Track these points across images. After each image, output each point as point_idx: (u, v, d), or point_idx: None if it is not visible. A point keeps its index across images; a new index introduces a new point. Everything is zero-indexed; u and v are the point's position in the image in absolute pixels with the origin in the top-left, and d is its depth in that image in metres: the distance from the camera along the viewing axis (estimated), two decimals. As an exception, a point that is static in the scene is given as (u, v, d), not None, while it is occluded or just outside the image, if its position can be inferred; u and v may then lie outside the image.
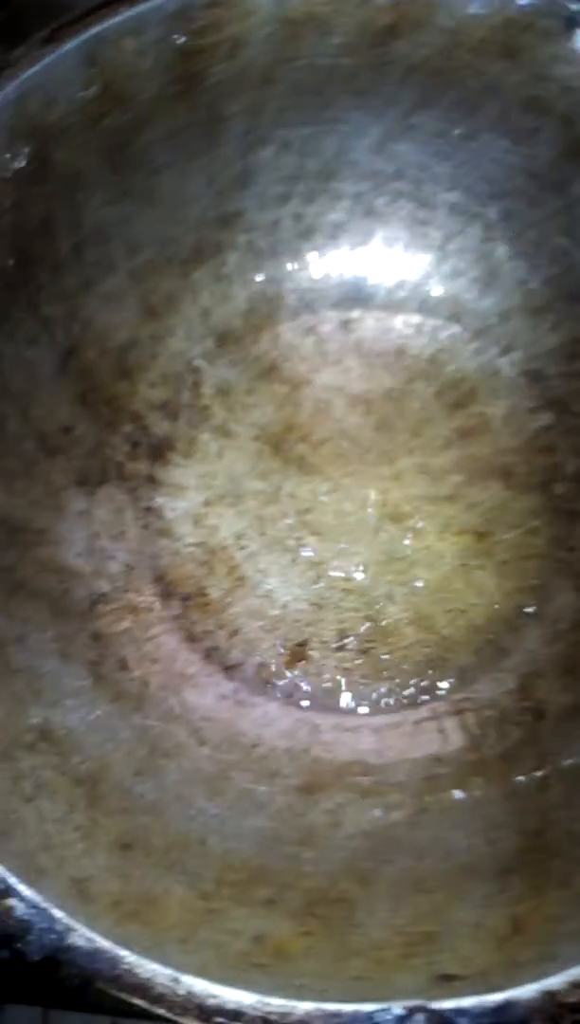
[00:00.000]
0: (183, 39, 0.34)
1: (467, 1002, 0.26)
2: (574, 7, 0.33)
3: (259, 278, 0.41)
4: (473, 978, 0.27)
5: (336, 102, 0.37)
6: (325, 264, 0.41)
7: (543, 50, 0.34)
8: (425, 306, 0.40)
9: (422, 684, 0.37)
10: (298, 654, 0.38)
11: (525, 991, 0.26)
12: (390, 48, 0.35)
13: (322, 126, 0.37)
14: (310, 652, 0.38)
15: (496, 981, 0.26)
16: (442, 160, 0.38)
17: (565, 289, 0.38)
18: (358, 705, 0.37)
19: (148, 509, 0.39)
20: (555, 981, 0.26)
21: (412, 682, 0.37)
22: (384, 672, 0.37)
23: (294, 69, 0.36)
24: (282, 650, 0.38)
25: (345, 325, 0.41)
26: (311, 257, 0.41)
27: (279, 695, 0.37)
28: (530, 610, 0.37)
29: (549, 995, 0.25)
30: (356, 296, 0.41)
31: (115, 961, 0.26)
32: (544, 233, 0.37)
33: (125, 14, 0.33)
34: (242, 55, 0.35)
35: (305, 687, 0.37)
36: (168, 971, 0.26)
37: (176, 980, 0.26)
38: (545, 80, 0.34)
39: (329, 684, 0.37)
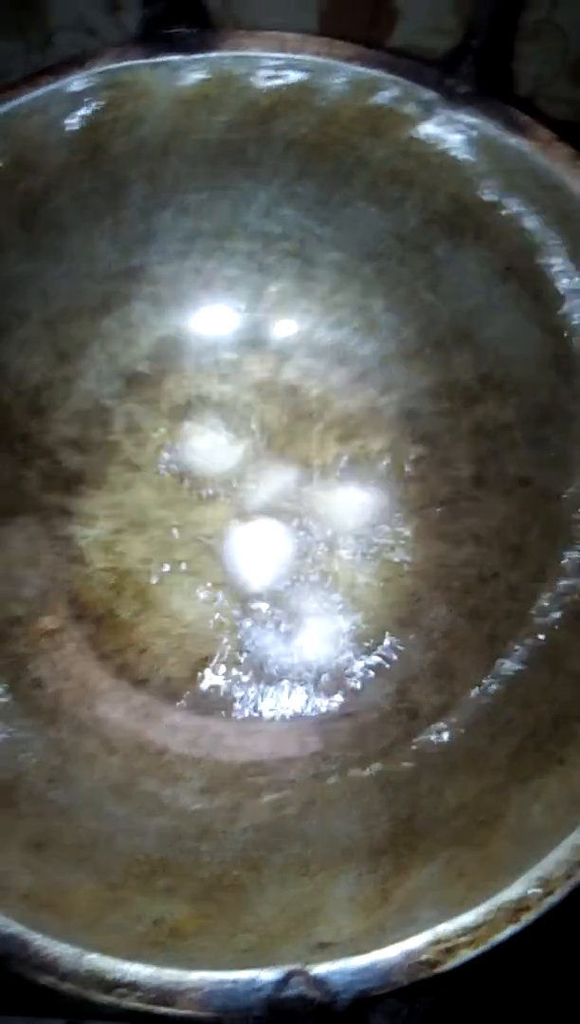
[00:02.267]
0: (86, 115, 0.38)
1: (337, 965, 0.30)
2: (428, 95, 0.38)
3: (163, 325, 0.44)
4: (345, 944, 0.30)
5: (227, 171, 0.41)
6: (224, 313, 0.45)
7: (404, 130, 0.38)
8: (314, 351, 0.45)
9: (313, 692, 0.41)
10: (201, 668, 0.41)
11: (387, 951, 0.30)
12: (272, 125, 0.39)
13: (216, 192, 0.42)
14: (212, 666, 0.41)
15: (365, 946, 0.30)
16: (323, 224, 0.42)
17: (432, 338, 0.42)
18: (255, 713, 0.41)
19: (61, 537, 0.42)
20: (413, 941, 0.30)
21: (304, 690, 0.41)
22: (279, 682, 0.41)
23: (188, 142, 0.40)
24: (188, 665, 0.41)
25: (242, 368, 0.45)
26: (211, 306, 0.45)
27: (184, 706, 0.41)
28: (409, 621, 0.42)
29: (407, 954, 0.30)
30: (252, 342, 0.45)
31: (25, 944, 0.30)
32: (413, 289, 0.42)
33: (31, 94, 0.37)
34: (140, 129, 0.39)
35: (208, 698, 0.41)
36: (74, 951, 0.30)
37: (80, 959, 0.30)
38: (407, 156, 0.39)
39: (229, 695, 0.41)
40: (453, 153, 0.38)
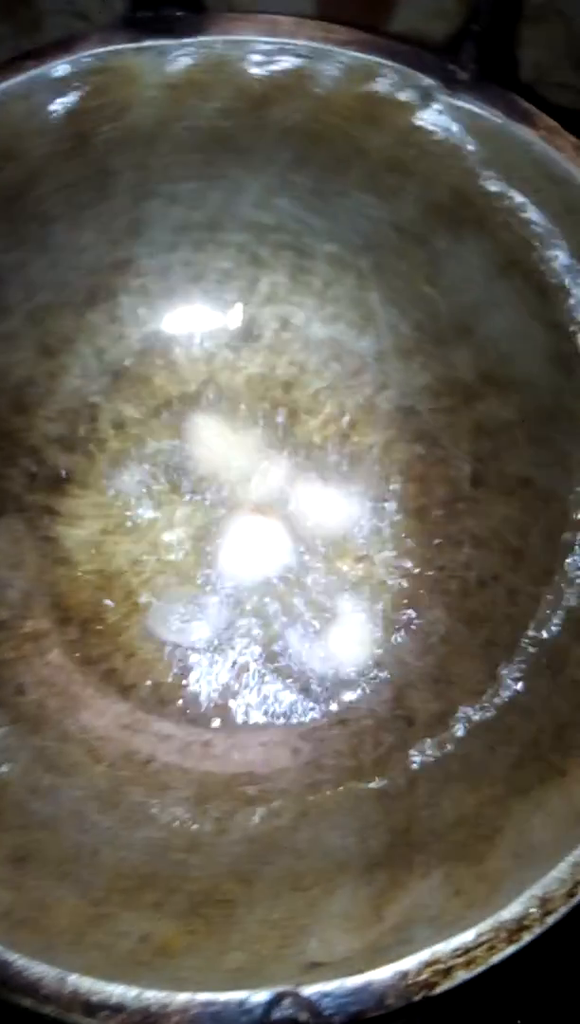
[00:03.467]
0: (70, 101, 0.37)
1: (330, 986, 0.28)
2: (428, 82, 0.37)
3: (152, 319, 0.43)
4: (338, 964, 0.29)
5: (218, 160, 0.40)
6: (215, 307, 0.43)
7: (402, 118, 0.37)
8: (308, 346, 0.43)
9: (306, 698, 0.40)
10: (190, 674, 0.40)
11: (381, 972, 0.29)
12: (265, 112, 0.38)
13: (207, 181, 0.40)
14: (202, 672, 0.40)
15: (358, 965, 0.29)
16: (318, 214, 0.41)
17: (431, 334, 0.41)
18: (246, 721, 0.40)
19: (46, 538, 0.41)
20: (409, 962, 0.29)
21: (297, 697, 0.40)
22: (271, 689, 0.40)
23: (177, 129, 0.38)
24: (176, 671, 0.40)
25: (235, 364, 0.44)
26: (201, 300, 0.43)
27: (172, 714, 0.40)
28: (405, 626, 0.41)
29: (402, 974, 0.28)
30: (245, 336, 0.44)
31: (4, 965, 0.28)
32: (410, 282, 0.41)
33: (13, 80, 0.35)
34: (127, 116, 0.37)
35: (197, 706, 0.40)
36: (55, 971, 0.28)
37: (63, 980, 0.28)
38: (405, 145, 0.38)
39: (219, 702, 0.40)
40: (454, 142, 0.37)
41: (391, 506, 0.42)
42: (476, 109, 0.36)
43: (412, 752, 0.37)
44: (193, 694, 0.40)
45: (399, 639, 0.41)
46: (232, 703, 0.40)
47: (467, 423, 0.41)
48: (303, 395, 0.43)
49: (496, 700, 0.37)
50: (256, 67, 0.37)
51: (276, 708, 0.40)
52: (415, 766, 0.37)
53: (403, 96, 0.37)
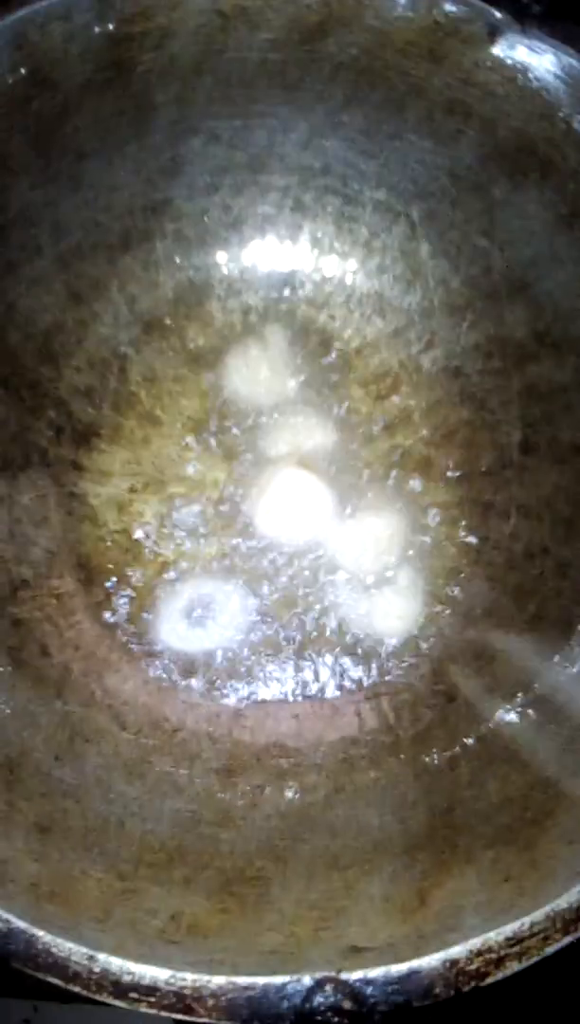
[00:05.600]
0: (112, 26, 0.34)
1: (373, 972, 0.27)
2: (498, 15, 0.34)
3: (187, 267, 0.41)
4: (380, 949, 0.28)
5: (265, 97, 0.37)
6: (253, 255, 0.41)
7: (467, 56, 0.35)
8: (351, 300, 0.41)
9: (341, 671, 0.38)
10: (223, 639, 0.38)
11: (428, 960, 0.27)
12: (319, 45, 0.35)
13: (251, 119, 0.38)
14: (233, 639, 0.38)
15: (402, 952, 0.27)
16: (369, 158, 0.38)
17: (484, 289, 0.39)
18: (279, 691, 0.38)
19: (72, 495, 0.39)
20: (457, 950, 0.27)
21: (332, 667, 0.38)
22: (305, 658, 0.38)
23: (223, 62, 0.36)
24: (206, 637, 0.38)
25: (273, 316, 0.41)
26: (240, 248, 0.41)
27: (202, 680, 0.38)
28: (447, 597, 0.39)
29: (451, 963, 0.27)
30: (283, 288, 0.41)
31: (31, 941, 0.27)
32: (465, 234, 0.38)
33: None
34: (171, 45, 0.35)
35: (227, 673, 0.38)
36: (84, 950, 0.27)
37: (92, 958, 0.27)
38: (468, 85, 0.35)
39: (251, 670, 0.38)
40: (521, 82, 0.34)
41: (434, 472, 0.40)
42: (547, 46, 0.33)
43: (453, 729, 0.36)
44: (223, 662, 0.38)
45: (439, 611, 0.39)
46: (263, 673, 0.38)
47: (518, 386, 0.39)
48: (344, 352, 0.41)
49: (543, 677, 0.35)
50: (312, -6, 0.34)
51: (309, 679, 0.38)
52: (456, 744, 0.35)
53: (469, 30, 0.34)
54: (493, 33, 0.34)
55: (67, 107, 0.36)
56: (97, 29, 0.34)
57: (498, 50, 0.34)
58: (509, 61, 0.34)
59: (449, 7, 0.34)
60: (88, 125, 0.36)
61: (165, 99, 0.37)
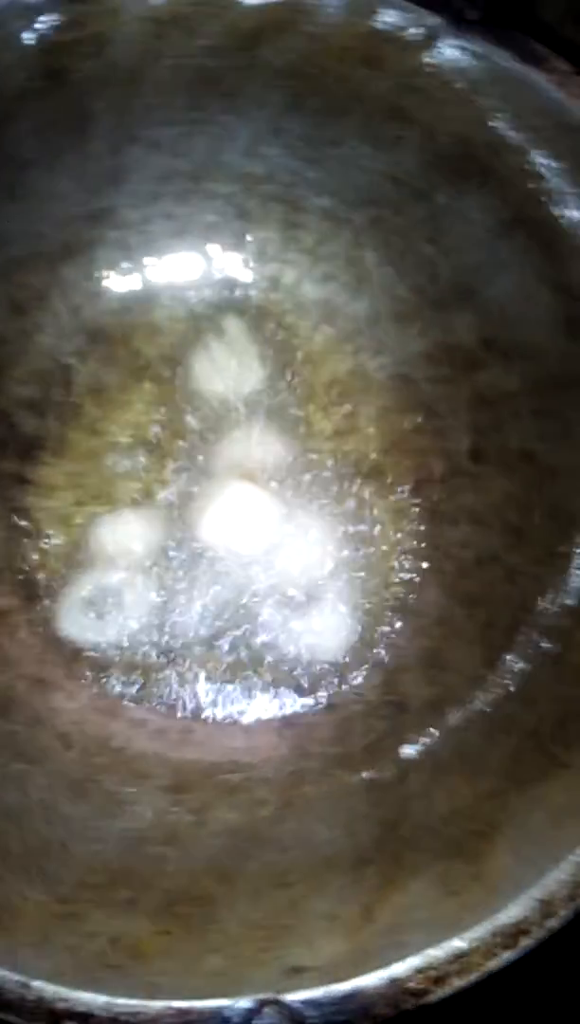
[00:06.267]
0: (45, 34, 0.34)
1: (315, 993, 0.26)
2: (434, 21, 0.34)
3: (131, 276, 0.40)
4: (324, 968, 0.27)
5: (205, 104, 0.37)
6: (199, 263, 0.41)
7: (405, 61, 0.34)
8: (298, 308, 0.41)
9: (291, 682, 0.38)
10: (171, 655, 0.38)
11: (371, 979, 0.27)
12: (256, 52, 0.35)
13: (191, 126, 0.37)
14: (182, 653, 0.38)
15: (345, 971, 0.27)
16: (311, 165, 0.38)
17: (431, 296, 0.39)
18: (229, 705, 0.37)
19: (15, 509, 0.38)
20: (400, 967, 0.27)
21: (282, 680, 0.38)
22: (255, 671, 0.38)
23: (161, 69, 0.35)
24: (154, 652, 0.38)
25: (220, 325, 0.41)
26: (184, 256, 0.41)
27: (150, 698, 0.37)
28: (398, 606, 0.38)
29: (393, 982, 0.26)
30: (230, 296, 0.41)
31: (-38, 970, 0.26)
32: (410, 241, 0.38)
33: (-18, 6, 0.32)
34: (107, 53, 0.35)
35: (176, 688, 0.37)
36: (17, 977, 0.26)
37: (26, 986, 0.26)
38: (407, 90, 0.35)
39: (201, 686, 0.38)
40: (459, 87, 0.34)
41: (384, 480, 0.40)
42: (485, 51, 0.33)
43: (404, 740, 0.35)
44: (171, 676, 0.37)
45: (390, 620, 0.38)
46: (212, 687, 0.37)
47: (467, 393, 0.39)
48: (292, 361, 0.41)
49: (494, 687, 0.35)
50: (248, 0, 0.34)
51: (259, 692, 0.37)
52: (407, 755, 0.35)
53: (406, 35, 0.34)
54: (430, 38, 0.34)
55: (3, 116, 0.35)
56: (30, 38, 0.34)
57: (435, 56, 0.34)
58: (446, 66, 0.34)
59: (386, 13, 0.34)
60: (25, 134, 0.36)
61: (103, 107, 0.36)
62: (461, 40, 0.34)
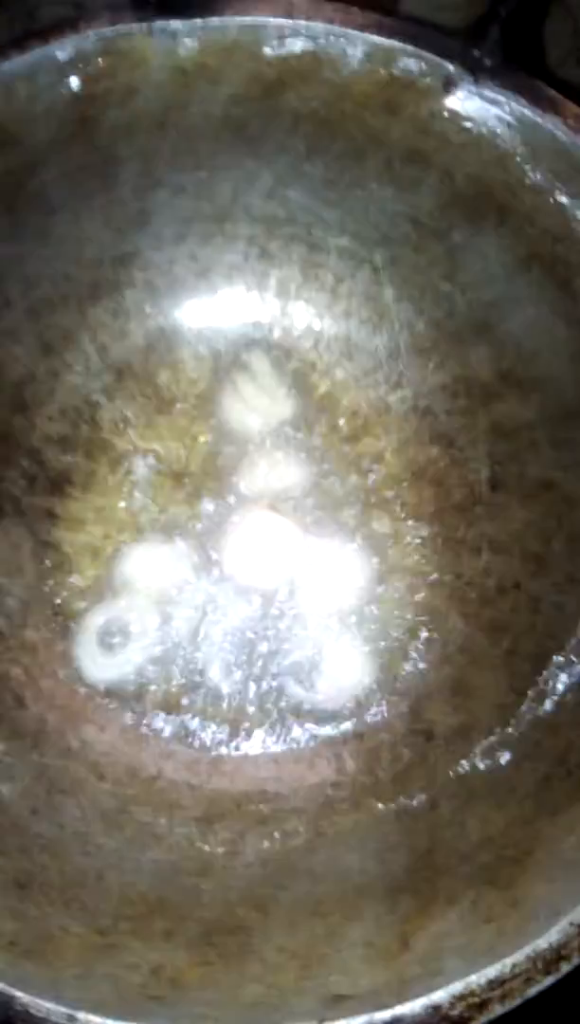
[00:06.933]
0: (76, 85, 0.35)
1: (356, 1021, 0.27)
2: (452, 68, 0.35)
3: (157, 315, 0.41)
4: (363, 997, 0.28)
5: (229, 149, 0.38)
6: (222, 303, 0.42)
7: (423, 107, 0.36)
8: (319, 344, 0.42)
9: (320, 711, 0.38)
10: (199, 686, 0.38)
11: (411, 1007, 0.27)
12: (278, 99, 0.36)
13: (215, 171, 0.39)
14: (211, 684, 0.38)
15: (385, 999, 0.27)
16: (332, 207, 0.39)
17: (448, 331, 0.40)
18: (258, 736, 0.38)
19: (46, 544, 0.39)
20: (440, 995, 0.27)
21: (310, 709, 0.38)
22: (284, 703, 0.38)
23: (186, 116, 0.37)
24: (183, 682, 0.38)
25: (243, 361, 0.42)
26: (208, 296, 0.42)
27: (180, 728, 0.38)
28: (422, 635, 0.39)
29: (434, 1009, 0.27)
30: (253, 334, 0.42)
31: (9, 1002, 0.26)
32: (428, 278, 0.39)
33: (18, 60, 0.34)
34: (135, 102, 0.36)
35: (205, 721, 0.38)
36: (63, 1009, 0.26)
37: (72, 1018, 0.26)
38: (425, 134, 0.36)
39: (231, 716, 0.38)
40: (475, 131, 0.35)
41: (405, 510, 0.41)
42: (501, 97, 0.35)
43: (432, 768, 0.36)
44: (201, 708, 0.38)
45: (415, 649, 0.39)
46: (242, 717, 0.38)
47: (485, 424, 0.40)
48: (314, 395, 0.42)
49: (520, 713, 0.35)
50: (270, 51, 0.35)
51: (287, 722, 0.38)
52: (436, 783, 0.35)
53: (424, 83, 0.35)
54: (448, 85, 0.35)
55: (34, 163, 0.36)
56: (62, 88, 0.35)
57: (453, 101, 0.35)
58: (464, 111, 0.35)
59: (404, 61, 0.35)
60: (55, 180, 0.37)
61: (130, 153, 0.37)
62: (477, 87, 0.35)
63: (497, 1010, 0.27)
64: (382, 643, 0.39)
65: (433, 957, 0.28)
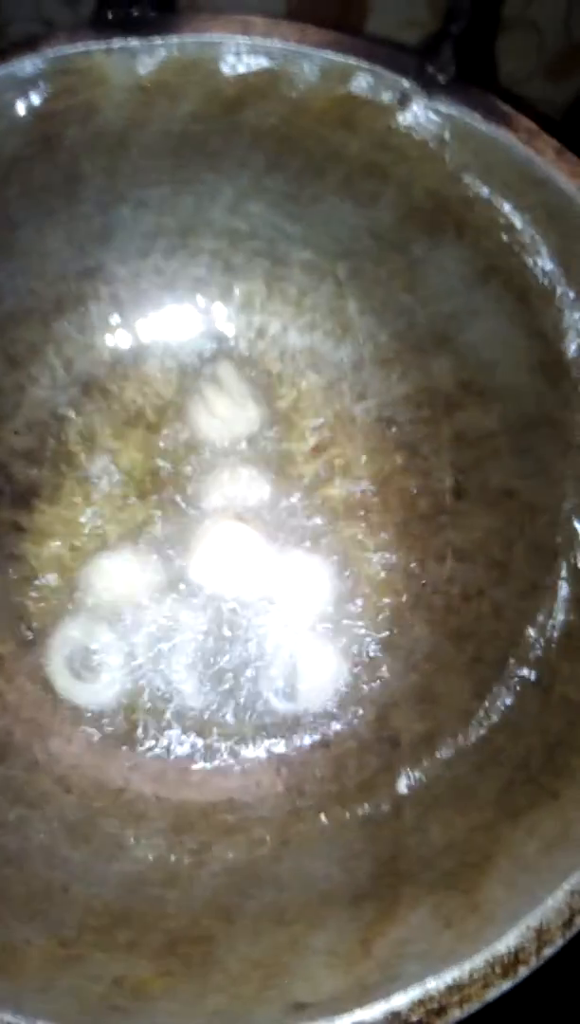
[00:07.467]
0: (37, 103, 0.35)
1: (317, 1029, 0.27)
2: (407, 84, 0.36)
3: (122, 329, 0.42)
4: (324, 1004, 0.28)
5: (190, 164, 0.38)
6: (188, 316, 0.42)
7: (379, 122, 0.36)
8: (284, 356, 0.42)
9: (286, 720, 0.38)
10: (167, 698, 0.39)
11: (371, 1012, 0.27)
12: (238, 116, 0.37)
13: (178, 186, 0.39)
14: (179, 695, 0.39)
15: (345, 1005, 0.27)
16: (294, 220, 0.40)
17: (410, 342, 0.40)
18: (225, 746, 0.38)
19: (12, 556, 0.39)
20: (400, 1001, 0.27)
21: (276, 719, 0.38)
22: (250, 712, 0.38)
23: (147, 133, 0.37)
24: (151, 694, 0.39)
25: (209, 374, 0.42)
26: (173, 309, 0.42)
27: (147, 739, 0.38)
28: (388, 643, 0.39)
29: (394, 1015, 0.27)
30: (219, 347, 0.42)
31: (-32, 1015, 0.26)
32: (389, 290, 0.40)
33: (-23, 78, 0.34)
34: (96, 119, 0.36)
35: (172, 732, 0.38)
36: (23, 1021, 0.26)
37: (31, 1030, 0.26)
38: (383, 149, 0.37)
39: (197, 727, 0.38)
40: (432, 145, 0.36)
41: (371, 519, 0.41)
42: (455, 112, 0.35)
43: (397, 775, 0.36)
44: (168, 719, 0.38)
45: (381, 657, 0.39)
46: (209, 728, 0.38)
47: (448, 434, 0.40)
48: (279, 407, 0.42)
49: (484, 719, 0.36)
50: (229, 68, 0.36)
51: (254, 732, 0.38)
52: (401, 790, 0.35)
53: (380, 98, 0.36)
54: (403, 101, 0.36)
55: (-3, 180, 0.37)
56: (22, 106, 0.35)
57: (408, 117, 0.36)
58: (419, 126, 0.36)
59: (360, 78, 0.36)
60: (17, 197, 0.37)
61: (92, 170, 0.38)
62: (432, 102, 0.35)
63: (456, 1015, 0.27)
64: (348, 651, 0.39)
65: (394, 963, 0.29)
